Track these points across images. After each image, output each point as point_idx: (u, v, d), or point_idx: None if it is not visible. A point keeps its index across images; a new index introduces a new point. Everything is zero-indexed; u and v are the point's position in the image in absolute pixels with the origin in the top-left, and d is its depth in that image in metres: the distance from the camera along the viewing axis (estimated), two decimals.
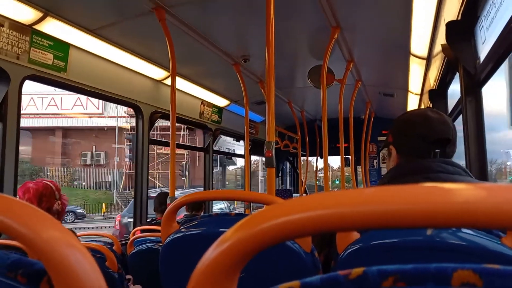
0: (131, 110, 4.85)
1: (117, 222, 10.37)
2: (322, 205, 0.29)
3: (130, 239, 2.87)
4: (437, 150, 1.25)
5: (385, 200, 0.28)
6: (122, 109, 24.43)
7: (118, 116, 25.47)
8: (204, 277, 0.33)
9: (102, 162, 27.31)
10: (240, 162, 28.48)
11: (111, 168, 26.76)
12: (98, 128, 26.31)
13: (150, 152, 3.77)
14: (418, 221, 0.27)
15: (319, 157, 6.97)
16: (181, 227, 1.34)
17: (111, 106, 25.01)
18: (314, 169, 7.33)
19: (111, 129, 26.16)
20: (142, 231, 3.04)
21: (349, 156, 5.35)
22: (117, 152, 26.11)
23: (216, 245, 0.33)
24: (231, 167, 31.00)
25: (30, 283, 0.40)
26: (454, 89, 3.03)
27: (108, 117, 26.03)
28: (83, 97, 23.25)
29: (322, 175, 7.23)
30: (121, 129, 25.97)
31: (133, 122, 20.83)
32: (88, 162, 27.09)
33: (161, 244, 1.37)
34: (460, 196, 0.27)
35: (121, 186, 26.13)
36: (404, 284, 0.33)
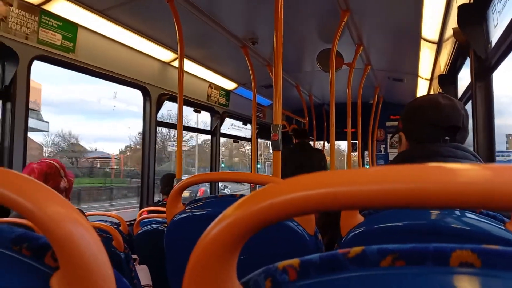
0: None
1: None
2: (323, 184, 0.29)
3: (137, 220, 2.90)
4: (446, 138, 1.23)
5: (389, 178, 0.28)
6: None
7: None
8: (204, 254, 0.33)
9: None
10: None
11: None
12: None
13: None
14: (422, 201, 0.27)
15: (326, 142, 6.96)
16: (186, 208, 1.35)
17: None
18: None
19: None
20: (149, 212, 3.07)
21: (357, 141, 5.33)
22: None
23: (216, 222, 0.33)
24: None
25: (35, 256, 0.41)
26: (465, 75, 2.99)
27: None
28: None
29: None
30: None
31: None
32: None
33: (166, 225, 1.38)
34: (465, 176, 0.26)
35: None
36: (403, 263, 0.34)
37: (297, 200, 0.30)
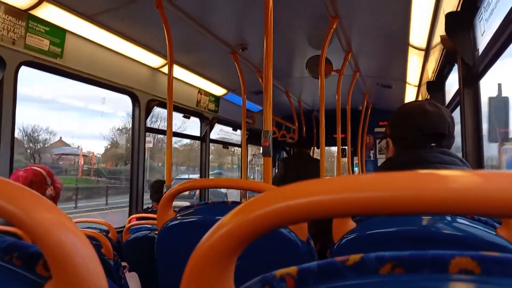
0: None
1: None
2: (317, 191, 0.29)
3: (126, 227, 2.87)
4: (432, 144, 1.25)
5: (381, 186, 0.28)
6: None
7: None
8: (202, 262, 0.33)
9: None
10: None
11: None
12: None
13: None
14: (412, 208, 0.27)
15: (315, 148, 6.98)
16: (177, 215, 1.34)
17: None
18: None
19: None
20: (138, 218, 3.05)
21: (346, 147, 5.36)
22: None
23: (214, 230, 0.33)
24: None
25: (26, 266, 0.40)
26: (452, 81, 3.03)
27: None
28: None
29: None
30: None
31: None
32: None
33: (157, 232, 1.37)
34: (455, 182, 0.26)
35: None
36: (402, 271, 0.33)
37: (295, 207, 0.30)
